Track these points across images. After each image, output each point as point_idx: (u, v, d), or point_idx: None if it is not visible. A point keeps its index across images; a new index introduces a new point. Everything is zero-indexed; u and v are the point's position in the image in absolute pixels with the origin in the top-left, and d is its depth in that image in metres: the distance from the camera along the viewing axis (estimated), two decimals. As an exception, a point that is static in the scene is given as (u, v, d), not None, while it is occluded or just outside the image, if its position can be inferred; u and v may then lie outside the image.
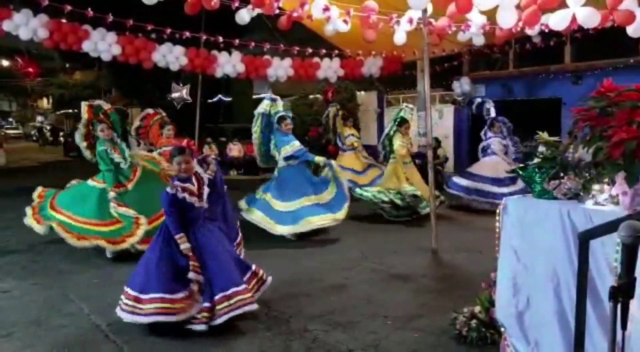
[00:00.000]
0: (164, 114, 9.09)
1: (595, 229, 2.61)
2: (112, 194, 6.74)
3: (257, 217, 7.71)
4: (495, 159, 9.99)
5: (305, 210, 7.62)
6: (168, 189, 4.39)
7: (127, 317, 4.28)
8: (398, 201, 8.81)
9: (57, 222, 6.66)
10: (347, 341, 4.16)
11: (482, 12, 7.31)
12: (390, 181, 9.14)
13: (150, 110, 9.22)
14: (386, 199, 8.89)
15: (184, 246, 4.34)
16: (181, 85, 13.32)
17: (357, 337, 4.23)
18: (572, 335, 2.74)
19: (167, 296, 4.21)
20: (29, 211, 6.88)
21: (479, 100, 10.81)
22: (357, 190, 9.23)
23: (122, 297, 4.39)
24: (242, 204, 7.98)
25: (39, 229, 6.72)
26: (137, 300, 4.26)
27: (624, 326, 1.85)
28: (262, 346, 4.09)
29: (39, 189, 7.20)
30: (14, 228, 8.38)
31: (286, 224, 7.57)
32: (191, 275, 4.30)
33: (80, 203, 6.82)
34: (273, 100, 8.05)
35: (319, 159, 7.92)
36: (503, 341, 3.52)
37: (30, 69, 17.78)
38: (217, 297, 4.31)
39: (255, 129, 8.04)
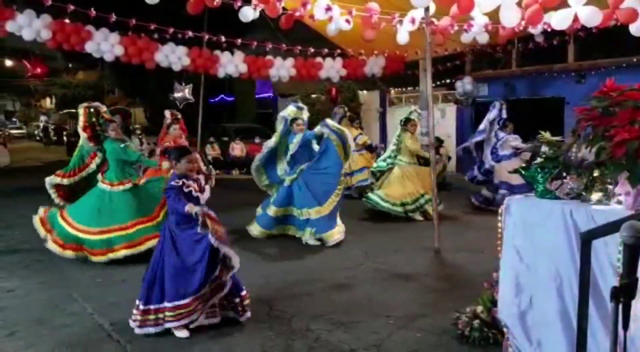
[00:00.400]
0: (179, 115, 8.85)
1: (597, 229, 2.60)
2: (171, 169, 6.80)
3: (338, 233, 7.41)
4: (511, 163, 9.13)
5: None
6: (172, 183, 4.34)
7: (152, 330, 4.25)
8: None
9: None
10: (349, 340, 4.16)
11: (485, 14, 7.32)
12: (414, 183, 9.12)
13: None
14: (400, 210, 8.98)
15: (196, 208, 4.22)
16: (183, 85, 13.35)
17: (359, 336, 4.23)
18: (575, 335, 2.74)
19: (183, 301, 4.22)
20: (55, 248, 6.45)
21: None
22: (372, 196, 9.16)
23: (153, 316, 4.26)
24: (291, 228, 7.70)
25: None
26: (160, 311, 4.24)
27: (625, 327, 1.85)
28: (264, 345, 4.10)
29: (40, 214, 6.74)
30: (17, 227, 8.40)
31: (336, 222, 7.56)
32: (200, 229, 4.22)
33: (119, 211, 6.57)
34: (299, 108, 7.75)
35: (317, 129, 7.63)
36: (505, 341, 3.52)
37: (39, 70, 17.69)
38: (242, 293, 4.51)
39: (277, 132, 7.75)
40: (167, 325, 4.22)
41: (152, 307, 4.25)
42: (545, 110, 12.66)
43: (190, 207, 4.20)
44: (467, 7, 6.60)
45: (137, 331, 4.24)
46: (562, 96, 12.91)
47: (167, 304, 4.21)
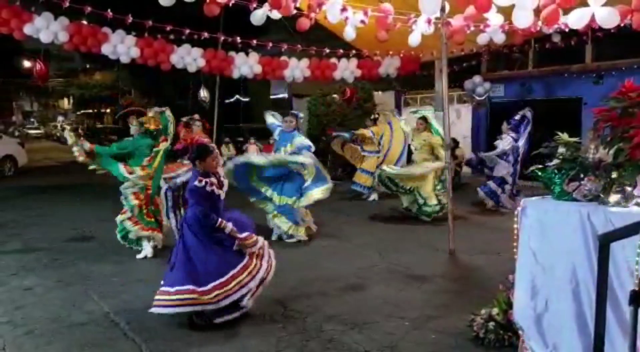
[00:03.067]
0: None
1: (615, 232, 2.57)
2: None
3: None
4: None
5: None
6: (196, 183, 4.41)
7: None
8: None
9: None
10: (363, 341, 4.16)
11: (500, 12, 7.24)
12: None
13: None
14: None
15: (229, 227, 4.44)
16: (202, 86, 13.54)
17: (374, 337, 4.22)
18: (592, 339, 2.70)
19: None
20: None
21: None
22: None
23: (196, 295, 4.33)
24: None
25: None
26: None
27: (644, 331, 1.83)
28: (278, 345, 4.11)
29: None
30: (36, 226, 8.51)
31: None
32: (235, 247, 4.48)
33: None
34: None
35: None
36: (521, 343, 3.50)
37: (44, 69, 17.79)
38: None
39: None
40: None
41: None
42: (563, 112, 12.53)
43: (222, 224, 4.42)
44: (484, 6, 6.54)
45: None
46: (580, 97, 12.78)
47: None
